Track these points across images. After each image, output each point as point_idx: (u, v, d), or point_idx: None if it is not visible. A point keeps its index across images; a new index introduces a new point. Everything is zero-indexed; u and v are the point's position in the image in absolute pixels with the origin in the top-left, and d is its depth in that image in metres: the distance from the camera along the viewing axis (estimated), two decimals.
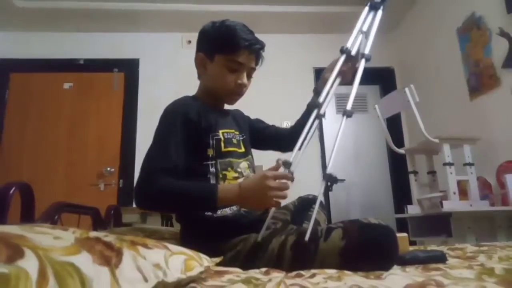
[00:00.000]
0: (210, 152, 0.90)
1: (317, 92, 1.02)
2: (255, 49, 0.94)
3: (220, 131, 0.93)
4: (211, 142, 0.90)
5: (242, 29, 0.93)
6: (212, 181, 0.89)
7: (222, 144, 0.92)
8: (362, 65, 0.89)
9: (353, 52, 0.91)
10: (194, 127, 0.88)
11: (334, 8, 2.86)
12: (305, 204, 1.10)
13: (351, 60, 0.93)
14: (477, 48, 2.15)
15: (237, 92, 0.96)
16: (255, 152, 1.08)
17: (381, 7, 0.91)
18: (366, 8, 0.93)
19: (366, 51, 0.89)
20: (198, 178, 0.88)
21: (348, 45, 0.91)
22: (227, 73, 0.93)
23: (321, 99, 0.88)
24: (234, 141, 0.97)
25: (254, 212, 0.92)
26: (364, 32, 0.90)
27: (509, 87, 1.93)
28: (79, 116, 2.82)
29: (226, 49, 0.92)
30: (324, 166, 2.90)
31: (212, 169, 0.88)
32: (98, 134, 2.81)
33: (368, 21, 0.92)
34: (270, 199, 0.74)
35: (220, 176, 0.90)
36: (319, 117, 0.87)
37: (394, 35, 3.12)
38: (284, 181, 0.75)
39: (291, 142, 1.06)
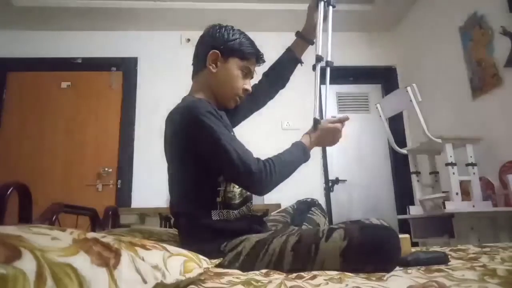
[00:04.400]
0: None
1: (301, 36, 1.14)
2: (262, 61, 1.02)
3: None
4: None
5: (251, 40, 1.01)
6: (222, 184, 0.88)
7: None
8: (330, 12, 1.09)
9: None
10: None
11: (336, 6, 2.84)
12: (303, 206, 1.11)
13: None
14: (479, 47, 2.14)
15: (241, 97, 1.00)
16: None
17: None
18: None
19: None
20: (207, 179, 0.88)
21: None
22: (240, 77, 0.97)
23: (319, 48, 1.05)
24: None
25: (255, 214, 0.93)
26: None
27: (511, 86, 1.92)
28: (77, 115, 2.81)
29: (244, 54, 0.96)
30: (325, 166, 2.89)
31: None
32: (96, 134, 2.79)
33: None
34: (338, 138, 1.02)
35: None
36: (329, 64, 1.05)
37: (396, 34, 3.11)
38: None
39: (270, 89, 1.18)
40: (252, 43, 0.99)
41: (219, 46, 0.96)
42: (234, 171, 0.82)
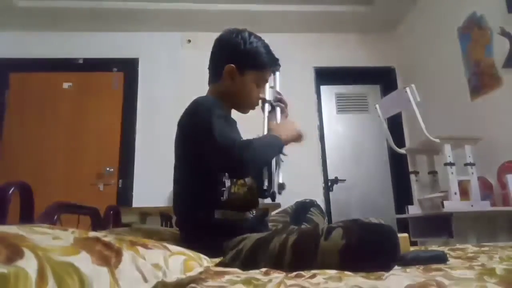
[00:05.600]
0: None
1: None
2: (278, 66, 1.03)
3: None
4: None
5: (268, 47, 1.01)
6: (227, 183, 0.90)
7: None
8: (266, 109, 1.06)
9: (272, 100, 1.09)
10: None
11: (334, 8, 2.85)
12: (302, 207, 1.11)
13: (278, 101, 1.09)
14: (478, 48, 2.15)
15: (256, 105, 1.04)
16: None
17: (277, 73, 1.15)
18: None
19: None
20: (212, 177, 0.89)
21: (267, 97, 1.09)
22: (255, 88, 1.00)
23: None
24: None
25: (256, 214, 0.93)
26: (272, 87, 1.12)
27: (510, 87, 1.93)
28: (79, 116, 2.82)
29: (260, 67, 0.98)
30: (324, 166, 2.90)
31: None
32: (97, 133, 2.80)
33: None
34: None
35: (234, 180, 0.92)
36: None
37: (395, 35, 3.12)
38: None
39: None
40: (268, 51, 1.00)
41: (235, 60, 0.97)
42: (215, 146, 0.82)
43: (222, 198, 0.88)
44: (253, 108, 1.04)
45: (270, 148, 0.91)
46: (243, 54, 0.97)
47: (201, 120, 0.87)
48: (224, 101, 0.98)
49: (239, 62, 0.97)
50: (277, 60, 1.02)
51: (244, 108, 1.03)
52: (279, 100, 1.07)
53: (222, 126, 0.85)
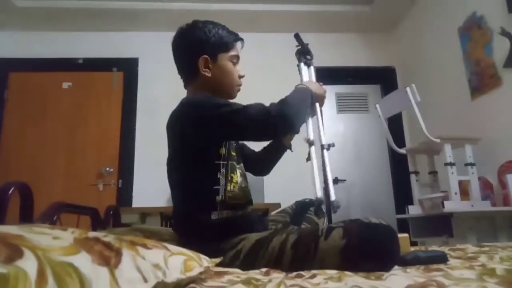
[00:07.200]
0: (223, 151, 0.91)
1: None
2: (241, 39, 1.03)
3: None
4: (224, 142, 0.92)
5: (225, 26, 1.02)
6: (222, 181, 0.89)
7: (230, 147, 0.94)
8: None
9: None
10: None
11: (334, 7, 2.85)
12: (302, 207, 1.11)
13: None
14: (478, 48, 2.15)
15: (240, 83, 1.03)
16: None
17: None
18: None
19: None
20: (207, 175, 0.89)
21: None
22: (232, 67, 1.00)
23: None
24: (234, 145, 0.99)
25: (254, 213, 0.93)
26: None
27: (510, 86, 1.93)
28: (78, 115, 2.82)
29: (226, 46, 0.98)
30: (324, 166, 2.89)
31: (223, 170, 0.90)
32: (97, 133, 2.81)
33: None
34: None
35: (229, 178, 0.91)
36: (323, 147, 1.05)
37: (395, 35, 3.12)
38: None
39: (262, 168, 1.18)
40: (227, 30, 1.01)
41: (205, 51, 0.96)
42: (247, 115, 0.82)
43: (218, 197, 0.88)
44: (239, 88, 1.03)
45: (303, 98, 0.92)
46: (208, 42, 0.97)
47: (208, 108, 0.85)
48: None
49: (208, 51, 0.97)
50: (237, 34, 1.03)
51: (230, 91, 1.02)
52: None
53: (238, 104, 0.85)
